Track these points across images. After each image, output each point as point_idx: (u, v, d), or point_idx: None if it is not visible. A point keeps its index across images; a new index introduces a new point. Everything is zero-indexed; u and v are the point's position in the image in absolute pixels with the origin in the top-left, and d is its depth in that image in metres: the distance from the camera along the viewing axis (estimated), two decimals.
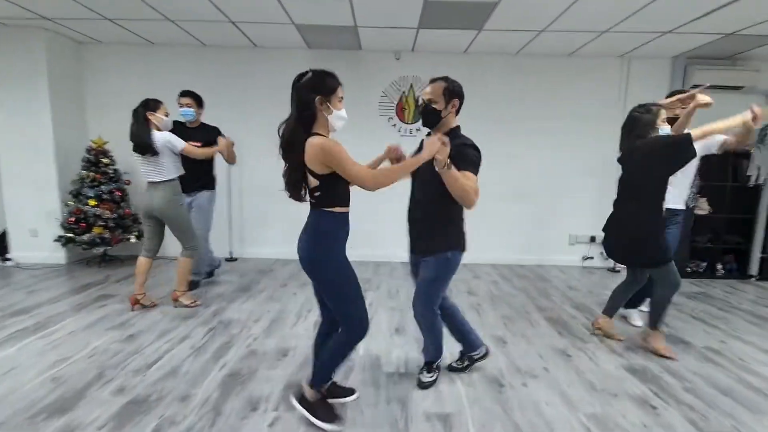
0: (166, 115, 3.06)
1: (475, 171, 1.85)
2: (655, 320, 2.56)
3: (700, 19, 3.50)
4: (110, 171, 4.31)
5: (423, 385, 2.10)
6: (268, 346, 2.54)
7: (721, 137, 2.67)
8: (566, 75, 4.68)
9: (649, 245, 2.42)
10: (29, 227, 4.42)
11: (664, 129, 2.45)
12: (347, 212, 1.69)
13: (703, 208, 4.42)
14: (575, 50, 4.45)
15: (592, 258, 4.93)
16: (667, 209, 2.63)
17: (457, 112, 1.99)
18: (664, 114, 2.46)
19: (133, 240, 4.38)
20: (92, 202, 4.14)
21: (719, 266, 4.52)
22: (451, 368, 2.27)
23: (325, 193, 1.61)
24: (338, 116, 1.63)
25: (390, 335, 2.77)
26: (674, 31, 3.81)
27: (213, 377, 2.15)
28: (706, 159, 3.09)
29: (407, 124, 4.81)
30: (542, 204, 4.92)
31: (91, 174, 4.22)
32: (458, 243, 1.99)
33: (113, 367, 2.24)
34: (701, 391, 2.14)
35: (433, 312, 2.05)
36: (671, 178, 2.38)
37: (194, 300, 3.23)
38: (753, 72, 4.49)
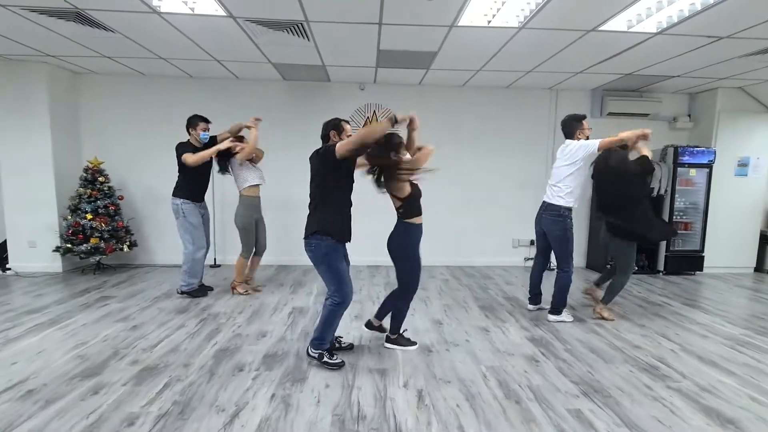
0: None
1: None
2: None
3: (599, 64, 4.38)
4: (105, 188, 4.84)
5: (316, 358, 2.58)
6: (250, 330, 3.15)
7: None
8: (505, 103, 5.53)
9: None
10: (28, 239, 4.88)
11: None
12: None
13: None
14: (511, 83, 5.30)
15: (532, 259, 5.73)
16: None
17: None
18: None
19: (125, 250, 4.90)
20: (89, 216, 4.66)
21: None
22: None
23: None
24: None
25: (350, 321, 3.43)
26: (584, 72, 4.69)
27: (207, 352, 2.75)
28: None
29: None
30: (489, 213, 5.71)
31: (88, 191, 4.74)
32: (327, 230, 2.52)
33: (125, 347, 2.81)
34: (577, 351, 2.88)
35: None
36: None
37: (246, 290, 4.10)
38: (656, 102, 5.45)
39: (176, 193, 3.82)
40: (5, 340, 2.91)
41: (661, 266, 5.38)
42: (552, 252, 3.61)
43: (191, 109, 5.17)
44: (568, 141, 3.46)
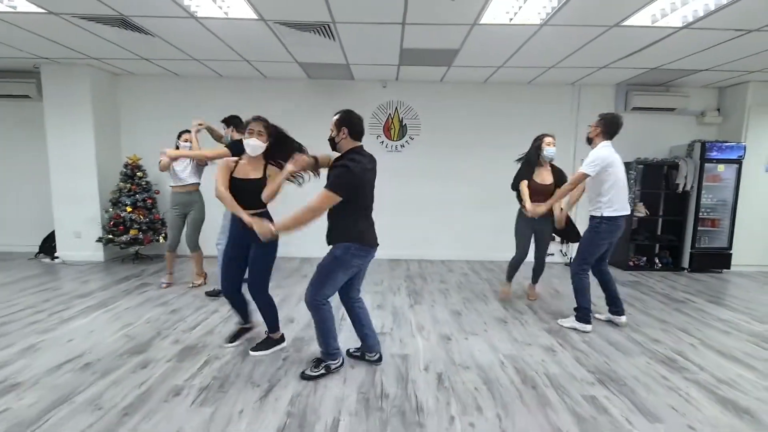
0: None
1: (332, 188, 2.13)
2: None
3: (624, 59, 4.35)
4: (143, 182, 5.15)
5: (304, 376, 2.33)
6: (279, 316, 3.34)
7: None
8: (527, 100, 5.54)
9: None
10: (74, 230, 5.25)
11: (549, 150, 3.48)
12: None
13: (641, 211, 5.25)
14: (532, 79, 5.31)
15: (552, 255, 5.74)
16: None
17: (352, 136, 2.27)
18: (549, 139, 3.52)
19: (161, 241, 5.20)
20: (128, 209, 4.97)
21: (656, 260, 5.33)
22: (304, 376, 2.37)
23: None
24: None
25: (372, 309, 3.58)
26: (608, 67, 4.66)
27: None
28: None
29: (393, 141, 5.65)
30: (510, 209, 5.72)
31: (128, 185, 5.06)
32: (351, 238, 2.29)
33: (166, 328, 3.05)
34: (594, 342, 2.95)
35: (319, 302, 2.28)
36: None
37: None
38: (683, 96, 5.35)
39: None
40: (60, 320, 3.20)
41: (685, 263, 5.30)
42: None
43: (221, 107, 5.44)
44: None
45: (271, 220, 2.49)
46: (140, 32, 3.79)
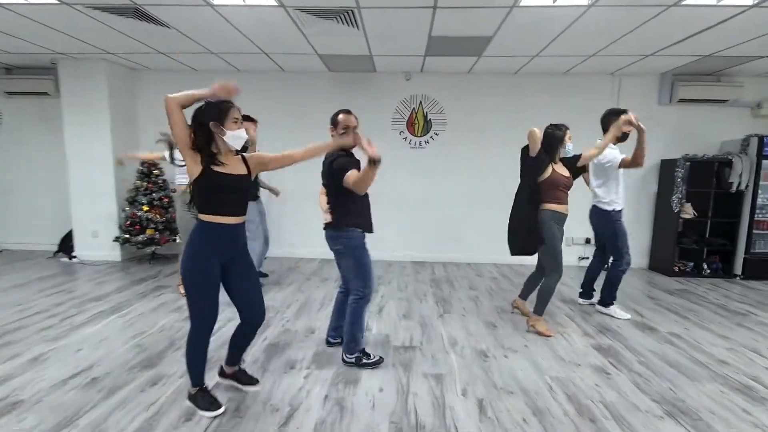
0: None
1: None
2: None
3: (676, 45, 3.94)
4: (160, 181, 5.01)
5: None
6: (299, 326, 3.12)
7: (620, 156, 3.24)
8: (562, 91, 5.15)
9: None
10: (91, 229, 5.15)
11: (570, 146, 3.07)
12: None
13: (688, 212, 4.81)
14: (569, 69, 4.92)
15: (587, 258, 5.36)
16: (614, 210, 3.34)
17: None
18: (569, 133, 3.10)
19: (178, 240, 5.05)
20: (145, 208, 4.84)
21: (705, 266, 4.89)
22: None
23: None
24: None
25: (399, 320, 3.31)
26: (656, 54, 4.25)
27: (258, 347, 2.74)
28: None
29: (416, 137, 5.36)
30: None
31: (144, 183, 4.92)
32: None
33: (180, 338, 2.85)
34: (652, 363, 2.60)
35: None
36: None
37: None
38: (736, 87, 4.87)
39: None
40: (71, 326, 3.05)
41: (738, 270, 4.84)
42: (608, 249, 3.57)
43: (239, 103, 5.27)
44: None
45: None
46: (155, 23, 3.60)
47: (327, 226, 2.46)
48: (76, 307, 3.46)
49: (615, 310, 3.46)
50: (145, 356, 2.58)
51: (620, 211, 3.37)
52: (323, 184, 2.46)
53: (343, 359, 2.51)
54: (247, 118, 3.79)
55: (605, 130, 3.24)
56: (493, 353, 2.72)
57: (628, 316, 3.42)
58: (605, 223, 3.39)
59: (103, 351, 2.65)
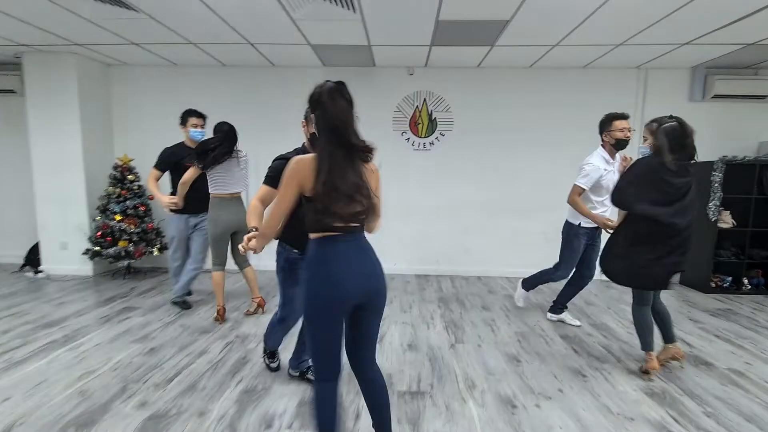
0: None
1: (268, 182, 1.87)
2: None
3: (720, 30, 3.44)
4: (135, 187, 4.50)
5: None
6: (283, 361, 2.59)
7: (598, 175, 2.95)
8: (581, 87, 4.65)
9: None
10: (60, 241, 4.64)
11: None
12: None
13: (726, 221, 4.29)
14: (590, 62, 4.43)
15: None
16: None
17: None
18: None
19: (155, 253, 4.54)
20: (118, 217, 4.32)
21: (745, 281, 4.36)
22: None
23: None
24: None
25: (403, 351, 2.79)
26: (693, 42, 3.75)
27: (229, 393, 2.21)
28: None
29: (420, 138, 4.85)
30: (560, 215, 4.85)
31: (117, 190, 4.41)
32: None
33: (135, 381, 2.32)
34: (723, 416, 2.07)
35: None
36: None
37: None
38: None
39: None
40: (9, 363, 2.53)
41: None
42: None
43: (225, 102, 4.78)
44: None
45: None
46: (121, 6, 3.11)
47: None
48: (22, 337, 2.93)
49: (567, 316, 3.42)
50: (84, 408, 2.05)
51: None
52: None
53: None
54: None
55: (601, 134, 3.01)
56: (522, 401, 2.19)
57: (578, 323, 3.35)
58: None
59: (35, 400, 2.12)
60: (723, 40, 3.67)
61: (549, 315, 3.48)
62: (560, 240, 3.25)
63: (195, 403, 2.10)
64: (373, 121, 4.65)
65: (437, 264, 4.95)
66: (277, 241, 2.01)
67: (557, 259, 3.27)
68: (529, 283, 3.55)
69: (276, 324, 2.28)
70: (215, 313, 3.29)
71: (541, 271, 3.42)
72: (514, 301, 3.77)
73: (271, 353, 2.49)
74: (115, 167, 4.48)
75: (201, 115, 3.46)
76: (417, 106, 4.81)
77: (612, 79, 4.62)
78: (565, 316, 3.43)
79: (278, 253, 2.07)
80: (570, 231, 3.15)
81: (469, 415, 2.05)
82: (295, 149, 2.00)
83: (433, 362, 2.63)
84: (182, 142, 3.50)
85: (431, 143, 4.85)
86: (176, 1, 3.03)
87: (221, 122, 3.12)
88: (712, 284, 4.37)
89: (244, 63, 4.65)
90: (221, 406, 2.08)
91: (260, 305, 3.46)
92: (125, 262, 4.49)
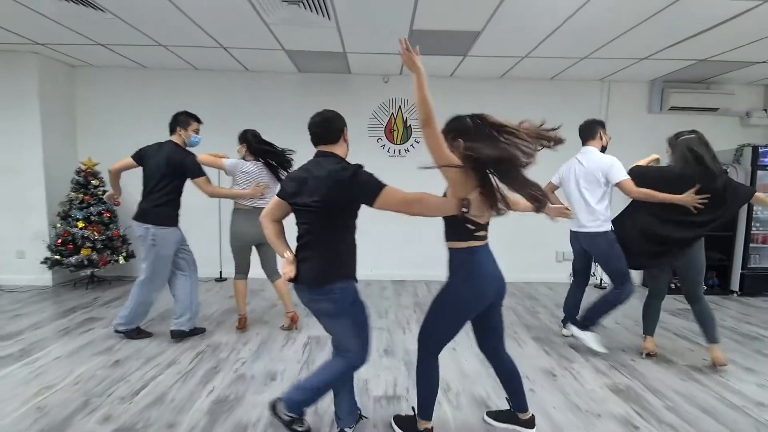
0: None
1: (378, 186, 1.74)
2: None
3: (675, 46, 3.67)
4: (99, 192, 4.32)
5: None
6: (256, 370, 2.54)
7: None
8: (548, 98, 4.84)
9: None
10: (16, 249, 4.38)
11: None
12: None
13: None
14: (557, 74, 4.62)
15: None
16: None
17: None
18: None
19: (121, 261, 4.36)
20: (80, 224, 4.13)
21: None
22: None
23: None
24: None
25: (380, 357, 2.78)
26: (650, 57, 3.99)
27: (200, 404, 2.14)
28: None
29: (396, 144, 4.91)
30: (528, 223, 4.99)
31: (80, 195, 4.22)
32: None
33: (99, 394, 2.22)
34: (682, 410, 2.18)
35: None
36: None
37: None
38: (727, 95, 4.70)
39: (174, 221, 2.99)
40: None
41: (735, 286, 4.60)
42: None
43: (197, 107, 4.62)
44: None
45: None
46: (84, 4, 3.01)
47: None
48: None
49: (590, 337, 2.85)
50: (43, 425, 1.94)
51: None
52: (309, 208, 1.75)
53: (274, 408, 1.78)
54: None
55: (589, 137, 3.03)
56: (495, 402, 2.23)
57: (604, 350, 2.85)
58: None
59: None
60: (677, 56, 3.92)
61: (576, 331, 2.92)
62: (599, 258, 2.87)
63: (164, 416, 2.03)
64: (349, 128, 4.65)
65: (413, 269, 4.98)
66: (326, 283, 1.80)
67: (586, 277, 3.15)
68: (590, 319, 2.87)
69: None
70: (237, 322, 3.24)
71: (600, 300, 2.84)
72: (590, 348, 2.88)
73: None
74: (78, 172, 4.29)
75: (200, 121, 3.22)
76: (392, 114, 4.87)
77: (577, 91, 4.84)
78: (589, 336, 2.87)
79: (341, 290, 1.81)
80: (608, 240, 2.80)
81: (443, 416, 2.07)
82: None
83: (409, 367, 2.64)
84: (176, 145, 2.99)
85: (407, 150, 4.91)
86: (145, 0, 2.96)
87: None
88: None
89: (218, 67, 4.58)
90: (191, 418, 2.01)
91: (293, 320, 3.19)
92: (88, 271, 4.29)
